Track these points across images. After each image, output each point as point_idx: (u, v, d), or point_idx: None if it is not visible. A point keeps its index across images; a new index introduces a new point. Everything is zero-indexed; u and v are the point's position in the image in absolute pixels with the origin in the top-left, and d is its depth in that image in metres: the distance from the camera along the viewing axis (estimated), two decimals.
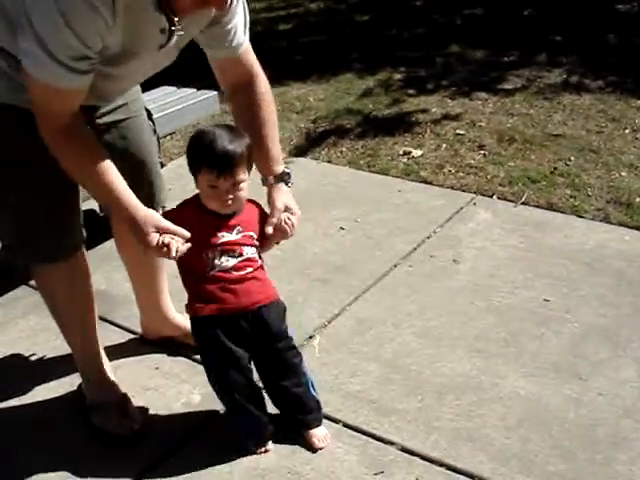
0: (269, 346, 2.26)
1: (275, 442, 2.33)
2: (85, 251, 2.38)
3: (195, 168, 2.14)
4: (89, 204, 2.77)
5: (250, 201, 2.26)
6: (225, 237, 2.17)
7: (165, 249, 2.02)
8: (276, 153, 2.32)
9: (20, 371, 2.73)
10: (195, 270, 2.18)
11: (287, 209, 2.26)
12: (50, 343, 2.78)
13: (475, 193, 3.75)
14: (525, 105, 4.84)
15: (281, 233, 2.25)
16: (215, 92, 3.98)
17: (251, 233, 2.23)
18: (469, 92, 5.09)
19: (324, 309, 2.93)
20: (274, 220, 2.23)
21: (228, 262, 2.17)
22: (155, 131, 2.56)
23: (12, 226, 2.24)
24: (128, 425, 2.40)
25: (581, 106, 4.76)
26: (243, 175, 2.12)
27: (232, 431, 2.33)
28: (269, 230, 2.23)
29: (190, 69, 3.54)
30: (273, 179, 2.29)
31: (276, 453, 2.30)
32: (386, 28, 6.53)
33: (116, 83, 2.14)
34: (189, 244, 2.05)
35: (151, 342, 2.80)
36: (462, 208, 3.61)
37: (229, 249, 2.17)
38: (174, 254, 2.02)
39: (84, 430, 2.44)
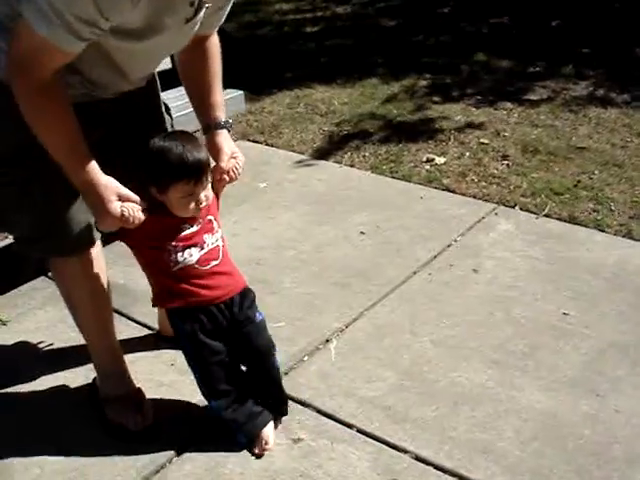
0: (242, 334, 2.30)
1: (287, 444, 2.33)
2: (101, 245, 2.38)
3: (165, 184, 2.11)
4: None
5: None
6: (188, 229, 2.19)
7: (124, 218, 2.04)
8: (219, 100, 2.36)
9: (36, 362, 2.74)
10: (160, 266, 2.21)
11: (233, 154, 2.30)
12: (66, 335, 2.79)
13: (497, 203, 3.73)
14: (550, 116, 4.81)
15: (230, 179, 2.29)
16: (241, 91, 3.98)
17: (209, 217, 2.24)
18: (494, 101, 5.07)
19: (342, 313, 2.92)
20: (223, 165, 2.27)
21: (192, 257, 2.19)
22: (172, 126, 2.55)
23: (28, 218, 2.22)
24: (141, 420, 2.40)
25: (607, 119, 4.73)
26: (211, 178, 2.18)
27: (227, 427, 2.34)
28: (223, 178, 2.27)
29: None
30: (216, 125, 2.31)
31: (288, 455, 2.29)
32: (412, 34, 6.52)
33: (137, 61, 2.11)
34: (145, 214, 2.08)
35: (167, 338, 2.79)
36: (484, 218, 3.60)
37: (190, 243, 2.19)
38: (133, 221, 2.05)
39: (97, 424, 2.44)
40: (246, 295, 2.31)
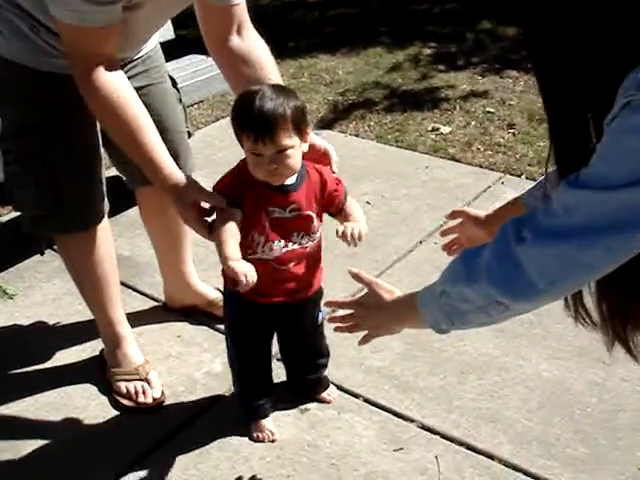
0: (298, 332, 2.26)
1: (294, 415, 2.34)
2: (108, 219, 2.37)
3: (237, 133, 1.89)
4: (114, 171, 2.76)
5: (312, 167, 2.03)
6: (276, 214, 1.94)
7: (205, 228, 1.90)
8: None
9: (43, 335, 2.74)
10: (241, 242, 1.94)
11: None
12: (73, 307, 2.79)
13: (503, 172, 3.71)
14: None
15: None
16: None
17: (308, 212, 1.99)
18: (500, 70, 5.03)
19: (348, 284, 2.87)
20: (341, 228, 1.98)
21: (272, 252, 1.96)
22: (181, 100, 2.53)
23: (35, 195, 2.21)
24: (148, 392, 2.40)
25: None
26: (288, 140, 1.83)
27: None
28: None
29: None
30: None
31: (295, 426, 2.30)
32: (417, 2, 6.45)
33: (134, 25, 2.05)
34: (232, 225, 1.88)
35: (174, 310, 2.80)
36: (490, 187, 3.58)
37: (278, 235, 1.95)
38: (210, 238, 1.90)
39: (104, 396, 2.45)
40: (313, 299, 2.17)
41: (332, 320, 1.72)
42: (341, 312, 1.68)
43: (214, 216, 1.93)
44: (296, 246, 2.00)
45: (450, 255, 1.86)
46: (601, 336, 1.35)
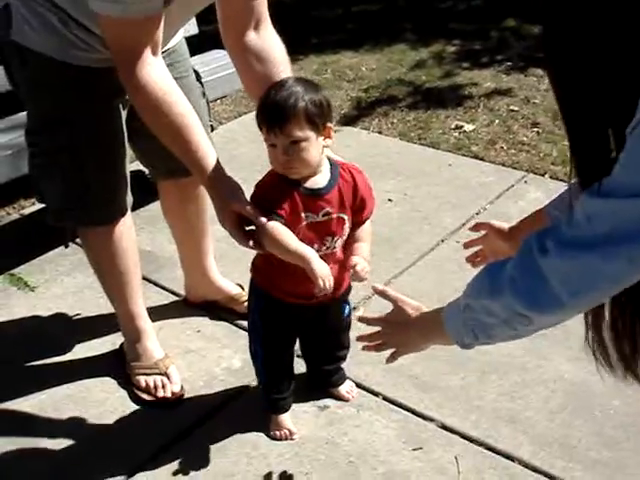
0: (325, 329, 2.25)
1: (313, 412, 2.33)
2: (130, 213, 2.37)
3: (257, 124, 1.89)
4: (137, 165, 2.77)
5: (346, 168, 2.03)
6: (309, 219, 1.92)
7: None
8: None
9: (63, 328, 2.75)
10: None
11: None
12: (94, 301, 2.80)
13: (527, 171, 3.68)
14: None
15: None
16: None
17: (340, 215, 1.97)
18: (524, 68, 4.98)
19: (369, 281, 2.89)
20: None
21: None
22: (204, 94, 2.52)
23: (59, 188, 2.22)
24: (168, 387, 2.41)
25: None
26: (299, 132, 1.82)
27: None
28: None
29: None
30: None
31: (314, 423, 2.29)
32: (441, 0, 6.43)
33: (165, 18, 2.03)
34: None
35: (194, 305, 2.80)
36: (513, 185, 3.55)
37: (311, 241, 1.93)
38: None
39: (123, 390, 2.46)
40: (342, 297, 2.18)
41: (360, 339, 1.71)
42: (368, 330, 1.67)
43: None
44: (329, 251, 1.99)
45: (474, 267, 1.83)
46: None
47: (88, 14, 1.88)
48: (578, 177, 1.20)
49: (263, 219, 1.87)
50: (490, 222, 1.83)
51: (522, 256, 1.21)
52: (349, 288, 2.19)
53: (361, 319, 1.69)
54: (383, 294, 1.64)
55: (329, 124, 1.90)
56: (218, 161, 1.96)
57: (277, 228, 1.86)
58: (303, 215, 1.92)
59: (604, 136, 1.12)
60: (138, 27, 1.84)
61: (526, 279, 1.19)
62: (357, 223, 2.04)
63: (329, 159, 1.99)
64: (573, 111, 1.16)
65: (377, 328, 1.64)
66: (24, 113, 2.31)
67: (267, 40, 2.17)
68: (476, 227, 1.86)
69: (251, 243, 1.90)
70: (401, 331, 1.59)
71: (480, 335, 1.35)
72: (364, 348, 1.70)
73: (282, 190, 1.91)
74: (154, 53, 1.90)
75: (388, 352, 1.65)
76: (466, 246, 1.90)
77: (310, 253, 1.87)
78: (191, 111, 1.96)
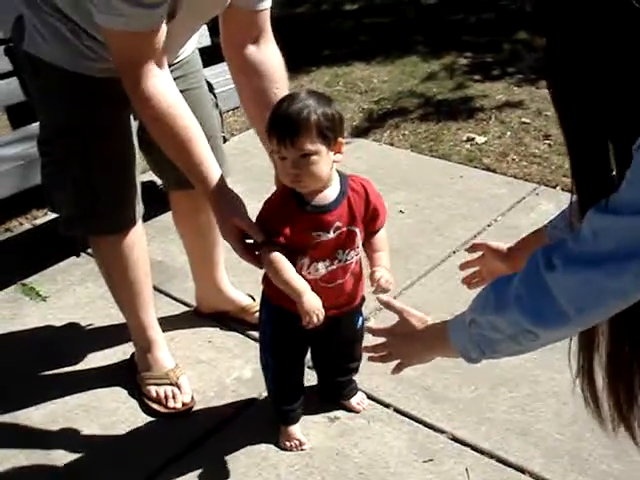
0: (339, 341, 2.23)
1: (323, 423, 2.33)
2: (142, 223, 2.38)
3: (268, 136, 1.87)
4: (149, 176, 2.78)
5: (356, 179, 2.02)
6: (322, 237, 1.91)
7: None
8: None
9: (74, 338, 2.76)
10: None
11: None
12: (105, 311, 2.81)
13: (538, 183, 3.68)
14: None
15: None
16: None
17: (351, 228, 1.96)
18: (536, 80, 4.98)
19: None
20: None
21: (318, 272, 1.95)
22: (217, 105, 2.53)
23: (73, 197, 2.23)
24: (178, 397, 2.41)
25: None
26: (310, 145, 1.79)
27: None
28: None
29: None
30: None
31: (324, 433, 2.29)
32: (453, 12, 6.43)
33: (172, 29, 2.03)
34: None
35: (205, 315, 2.80)
36: (524, 198, 3.55)
37: (323, 255, 1.94)
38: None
39: (134, 400, 2.46)
40: (356, 309, 2.16)
41: (365, 350, 1.71)
42: (373, 340, 1.67)
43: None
44: (342, 263, 1.98)
45: (471, 289, 1.82)
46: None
47: (96, 26, 1.89)
48: (578, 196, 1.20)
49: (261, 237, 1.89)
50: (487, 242, 1.82)
51: (528, 271, 1.21)
52: (363, 299, 2.18)
53: (367, 330, 1.69)
54: (388, 305, 1.64)
55: (340, 139, 1.89)
56: (221, 175, 1.97)
57: (272, 258, 1.88)
58: (314, 234, 1.90)
59: (604, 153, 1.12)
60: (141, 40, 1.85)
61: (532, 295, 1.19)
62: (372, 232, 2.04)
63: (338, 172, 1.98)
64: (575, 127, 1.16)
65: (382, 339, 1.64)
66: (35, 124, 2.33)
67: (267, 54, 2.17)
68: (473, 248, 1.85)
69: (250, 258, 1.94)
70: (406, 343, 1.59)
71: (487, 350, 1.35)
72: (369, 359, 1.70)
73: (289, 211, 1.90)
74: (160, 65, 1.91)
75: (394, 363, 1.65)
76: (462, 267, 1.88)
77: (302, 287, 1.87)
78: (196, 124, 1.97)
